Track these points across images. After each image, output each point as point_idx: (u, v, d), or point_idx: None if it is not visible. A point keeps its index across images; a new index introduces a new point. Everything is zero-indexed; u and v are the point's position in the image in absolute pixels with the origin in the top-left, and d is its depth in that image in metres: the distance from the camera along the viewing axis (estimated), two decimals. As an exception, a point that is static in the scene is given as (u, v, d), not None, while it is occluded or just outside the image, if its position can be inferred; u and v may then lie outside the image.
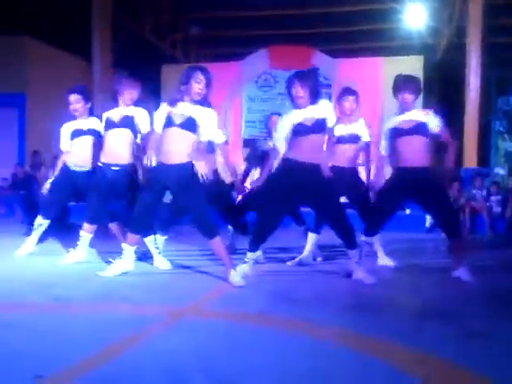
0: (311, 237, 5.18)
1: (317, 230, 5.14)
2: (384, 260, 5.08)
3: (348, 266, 4.47)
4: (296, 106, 4.29)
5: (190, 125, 4.15)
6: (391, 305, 3.57)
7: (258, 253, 4.64)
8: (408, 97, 4.55)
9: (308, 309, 3.39)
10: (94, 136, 5.15)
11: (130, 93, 4.76)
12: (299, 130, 4.22)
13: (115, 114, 4.80)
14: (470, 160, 10.83)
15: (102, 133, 4.97)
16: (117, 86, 4.81)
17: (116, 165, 4.76)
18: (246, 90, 13.97)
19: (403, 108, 4.63)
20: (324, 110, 4.25)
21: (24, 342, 2.64)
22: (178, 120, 4.16)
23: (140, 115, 4.79)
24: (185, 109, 4.19)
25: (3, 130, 12.67)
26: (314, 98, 4.24)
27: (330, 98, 13.58)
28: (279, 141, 4.38)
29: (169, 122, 4.19)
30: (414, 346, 2.65)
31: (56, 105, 10.93)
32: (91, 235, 4.94)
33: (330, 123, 4.28)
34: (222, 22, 14.69)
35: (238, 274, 4.10)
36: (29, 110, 12.77)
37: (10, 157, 12.16)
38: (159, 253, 4.88)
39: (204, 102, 4.23)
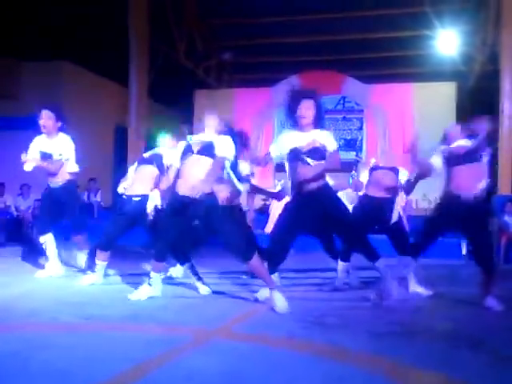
0: (340, 264, 5.14)
1: (346, 258, 5.11)
2: (416, 287, 5.00)
3: (379, 288, 4.44)
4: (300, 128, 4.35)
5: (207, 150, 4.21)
6: (423, 332, 3.51)
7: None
8: None
9: (338, 334, 3.36)
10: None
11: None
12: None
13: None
14: (504, 187, 10.63)
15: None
16: None
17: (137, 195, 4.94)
18: (278, 115, 14.07)
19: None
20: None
21: (55, 359, 2.68)
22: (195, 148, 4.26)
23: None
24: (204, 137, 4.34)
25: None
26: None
27: (361, 123, 13.71)
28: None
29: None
30: (448, 372, 2.61)
31: (91, 129, 11.11)
32: (106, 262, 4.96)
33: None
34: (254, 49, 14.88)
35: (281, 298, 4.00)
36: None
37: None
38: (199, 279, 4.76)
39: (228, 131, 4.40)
